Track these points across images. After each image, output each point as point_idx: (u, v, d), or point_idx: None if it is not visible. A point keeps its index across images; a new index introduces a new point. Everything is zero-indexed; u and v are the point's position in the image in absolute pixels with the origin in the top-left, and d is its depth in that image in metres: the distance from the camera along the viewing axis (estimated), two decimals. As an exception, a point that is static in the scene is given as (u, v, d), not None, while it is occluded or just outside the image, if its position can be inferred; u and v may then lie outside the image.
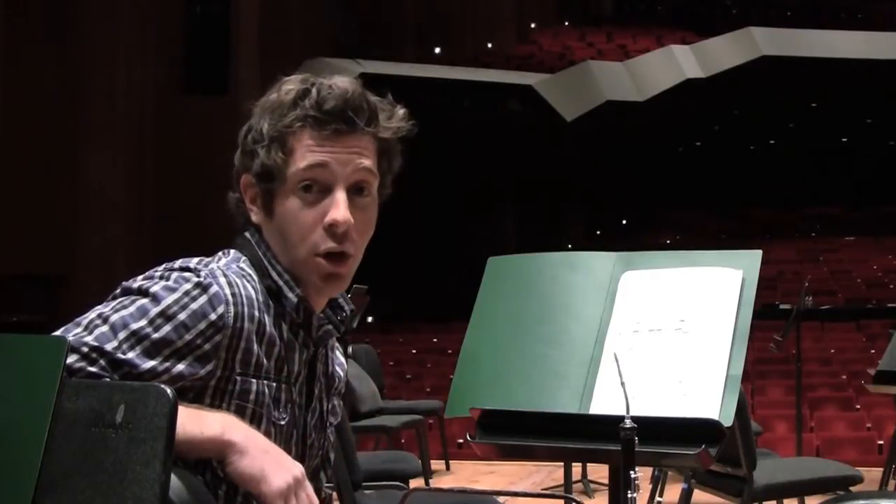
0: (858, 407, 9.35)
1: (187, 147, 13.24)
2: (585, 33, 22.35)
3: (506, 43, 20.87)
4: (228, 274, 1.46)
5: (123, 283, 1.44)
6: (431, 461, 6.67)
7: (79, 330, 1.36)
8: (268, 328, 1.47)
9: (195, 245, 1.57)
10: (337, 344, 1.64)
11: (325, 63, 13.85)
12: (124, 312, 1.38)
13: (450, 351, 12.11)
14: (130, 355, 1.35)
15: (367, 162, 1.51)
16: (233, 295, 1.43)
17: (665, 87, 17.32)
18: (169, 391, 1.15)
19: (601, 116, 16.75)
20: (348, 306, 1.61)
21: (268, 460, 1.33)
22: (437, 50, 19.76)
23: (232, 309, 1.42)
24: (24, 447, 1.01)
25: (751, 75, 17.86)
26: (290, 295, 1.50)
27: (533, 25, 22.63)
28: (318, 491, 1.57)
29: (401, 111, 1.56)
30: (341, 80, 1.52)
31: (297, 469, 1.36)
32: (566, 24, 23.78)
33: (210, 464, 1.41)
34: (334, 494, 2.53)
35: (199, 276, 1.42)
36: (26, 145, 12.64)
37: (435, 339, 13.79)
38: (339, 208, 1.47)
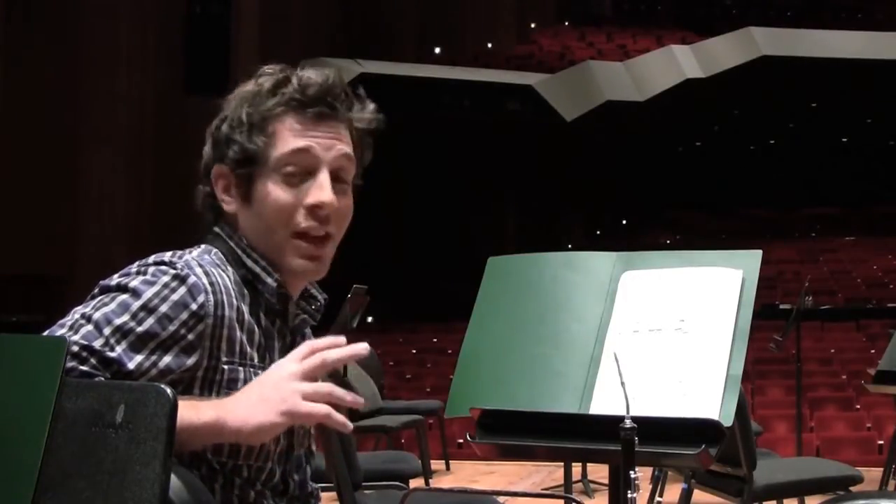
0: (858, 407, 9.34)
1: (187, 147, 13.23)
2: (585, 33, 22.36)
3: (506, 43, 20.86)
4: (203, 264, 1.46)
5: (101, 282, 1.44)
6: (431, 461, 6.66)
7: (64, 331, 1.36)
8: (246, 316, 1.47)
9: (195, 246, 1.57)
10: (309, 333, 1.65)
11: (326, 63, 13.83)
12: (106, 309, 1.38)
13: (450, 351, 12.10)
14: (118, 351, 1.35)
15: (348, 148, 1.53)
16: (210, 284, 1.43)
17: (665, 87, 17.31)
18: (169, 391, 1.15)
19: (601, 116, 16.74)
20: (321, 296, 1.62)
21: (257, 410, 1.32)
22: (437, 50, 19.76)
23: (212, 297, 1.42)
24: (24, 447, 1.01)
25: (751, 75, 17.84)
26: (269, 280, 1.50)
27: (533, 25, 22.62)
28: (304, 483, 1.57)
29: (371, 105, 1.59)
30: (315, 71, 1.55)
31: (282, 371, 1.34)
32: (566, 24, 23.78)
33: (205, 458, 1.41)
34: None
35: (175, 268, 1.43)
36: (26, 146, 12.64)
37: (435, 339, 13.78)
38: (324, 190, 1.49)
